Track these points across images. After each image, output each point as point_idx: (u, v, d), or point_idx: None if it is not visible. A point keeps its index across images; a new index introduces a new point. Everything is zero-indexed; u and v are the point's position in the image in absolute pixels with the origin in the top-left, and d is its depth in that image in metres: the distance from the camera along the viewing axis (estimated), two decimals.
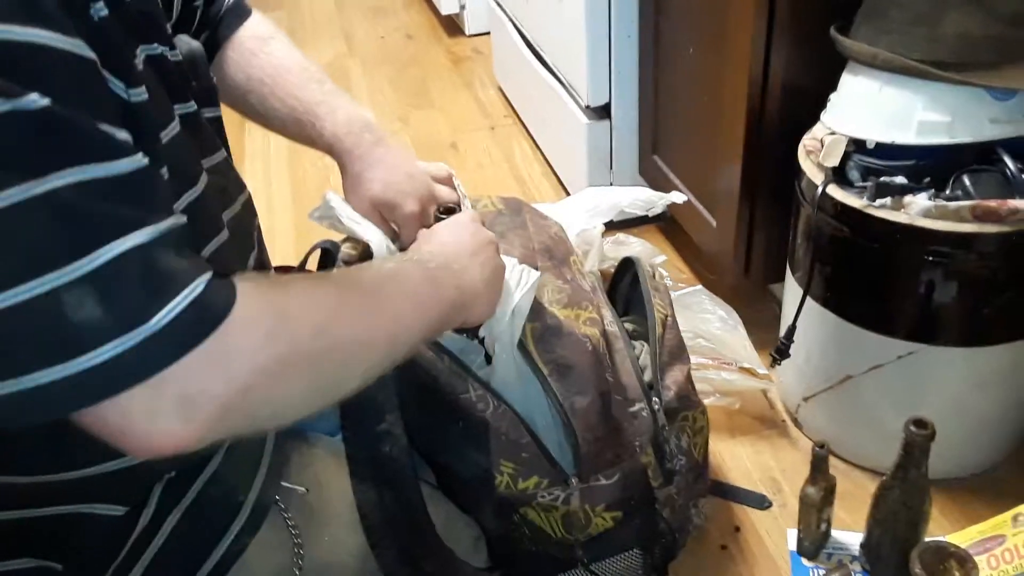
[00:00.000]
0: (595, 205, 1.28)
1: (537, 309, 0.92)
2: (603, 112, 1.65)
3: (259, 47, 0.92)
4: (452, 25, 2.85)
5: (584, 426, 0.88)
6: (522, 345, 0.89)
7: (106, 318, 0.47)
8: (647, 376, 0.99)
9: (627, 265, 1.13)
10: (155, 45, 0.65)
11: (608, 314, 1.01)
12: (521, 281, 0.88)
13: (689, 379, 1.03)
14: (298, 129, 0.92)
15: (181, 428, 0.50)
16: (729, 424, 1.31)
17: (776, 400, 1.35)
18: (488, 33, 2.42)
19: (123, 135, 0.51)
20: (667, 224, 1.73)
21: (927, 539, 1.00)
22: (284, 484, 0.78)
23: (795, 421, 1.30)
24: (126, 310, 0.48)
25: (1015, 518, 1.05)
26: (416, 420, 0.87)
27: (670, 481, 0.98)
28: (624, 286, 1.16)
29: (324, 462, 0.81)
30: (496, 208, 1.03)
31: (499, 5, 2.18)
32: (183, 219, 0.53)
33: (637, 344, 1.05)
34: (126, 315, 0.48)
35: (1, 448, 0.63)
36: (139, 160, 0.51)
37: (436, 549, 0.84)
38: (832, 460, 1.22)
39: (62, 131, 0.47)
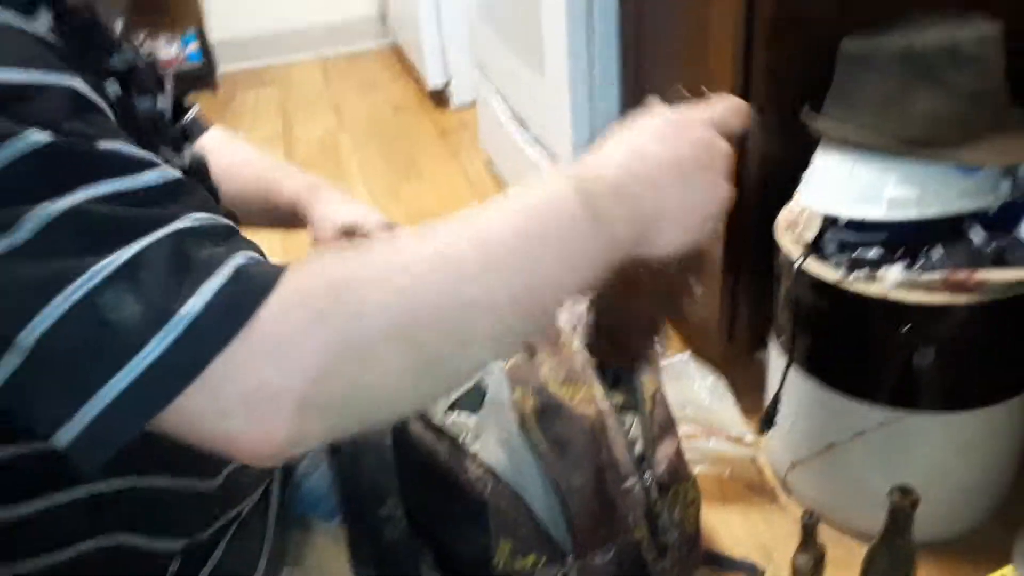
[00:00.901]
0: None
1: (538, 387, 0.94)
2: None
3: (222, 146, 0.97)
4: (439, 98, 2.93)
5: (580, 503, 0.90)
6: (522, 421, 0.91)
7: (145, 313, 0.44)
8: (637, 449, 1.01)
9: None
10: (161, 148, 0.68)
11: (598, 391, 1.04)
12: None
13: (679, 452, 1.05)
14: (263, 199, 0.98)
15: (258, 428, 0.45)
16: (720, 492, 1.33)
17: (765, 467, 1.37)
18: (474, 104, 2.49)
19: (141, 153, 0.50)
20: None
21: None
22: (286, 568, 0.80)
23: (785, 487, 1.32)
24: (159, 301, 0.45)
25: None
26: (415, 501, 0.88)
27: (664, 555, 1.00)
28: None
29: (325, 548, 0.83)
30: None
31: (485, 77, 2.25)
32: (228, 222, 0.51)
33: (627, 417, 1.08)
34: (160, 306, 0.44)
35: None
36: (168, 172, 0.50)
37: None
38: (822, 527, 1.24)
39: (71, 157, 0.47)
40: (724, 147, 0.59)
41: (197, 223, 0.48)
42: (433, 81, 2.82)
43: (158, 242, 0.46)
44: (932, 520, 1.17)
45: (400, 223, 1.01)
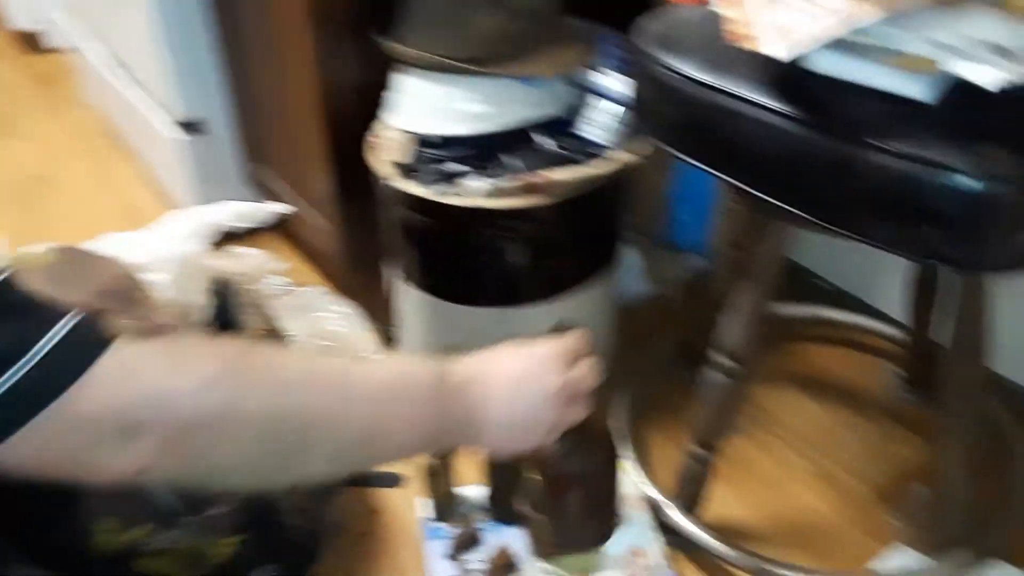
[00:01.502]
0: (190, 229, 1.27)
1: None
2: (199, 126, 1.62)
3: None
4: (31, 42, 2.59)
5: None
6: None
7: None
8: None
9: (222, 288, 1.14)
10: None
11: None
12: None
13: None
14: None
15: (116, 458, 0.54)
16: None
17: None
18: (75, 49, 2.24)
19: None
20: (291, 230, 1.75)
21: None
22: None
23: None
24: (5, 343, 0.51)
25: None
26: None
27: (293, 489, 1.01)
28: (230, 309, 1.16)
29: None
30: (47, 261, 0.98)
31: (82, 20, 2.03)
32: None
33: None
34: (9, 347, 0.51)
35: None
36: None
37: None
38: None
39: None
40: (565, 379, 0.70)
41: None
42: (19, 22, 2.49)
43: None
44: None
45: None
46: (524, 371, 0.70)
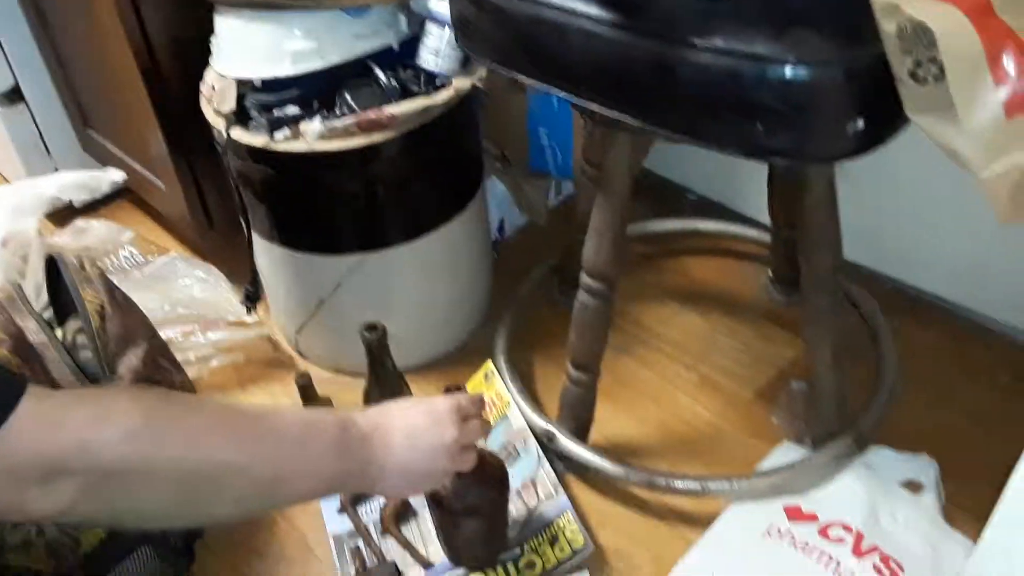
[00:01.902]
0: (18, 203, 1.17)
1: None
2: (15, 96, 1.50)
3: None
4: None
5: None
6: None
7: None
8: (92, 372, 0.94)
9: (53, 265, 1.05)
10: None
11: (32, 325, 0.94)
12: None
13: (150, 359, 1.00)
14: None
15: (39, 501, 0.58)
16: (239, 378, 1.31)
17: (280, 339, 1.38)
18: None
19: None
20: (139, 197, 1.65)
21: None
22: None
23: (300, 353, 1.34)
24: None
25: (486, 376, 1.20)
26: None
27: None
28: (66, 286, 1.08)
29: None
30: None
31: None
32: None
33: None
34: None
35: None
36: None
37: None
38: (340, 376, 1.29)
39: None
40: (458, 432, 0.80)
41: None
42: None
43: None
44: (422, 345, 1.28)
45: None
46: (422, 424, 0.80)
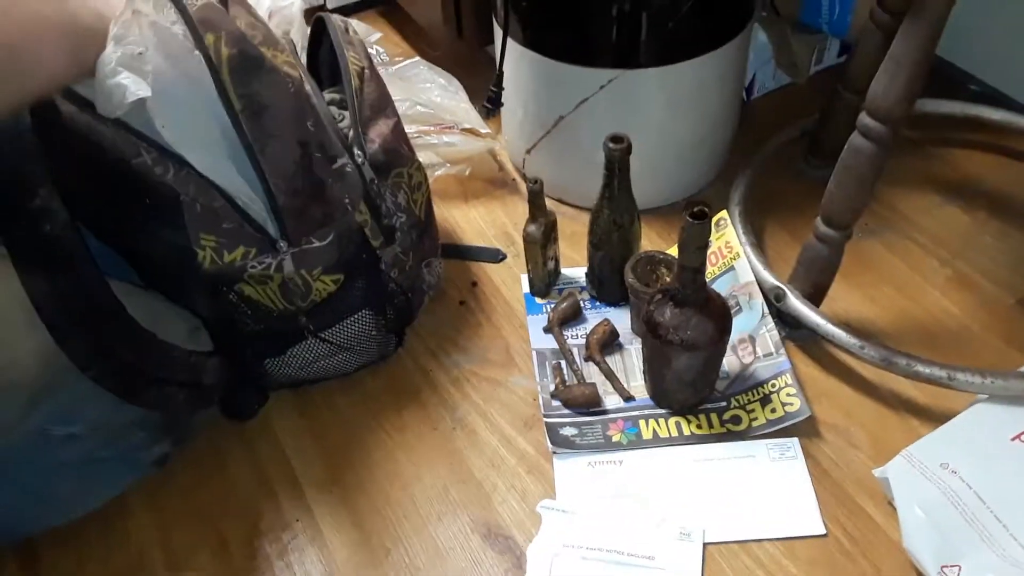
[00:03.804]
0: None
1: (237, 34, 0.81)
2: None
3: None
4: None
5: (279, 175, 0.83)
6: (215, 71, 0.79)
7: None
8: (345, 128, 0.94)
9: (320, 27, 1.06)
10: None
11: (303, 72, 0.94)
12: None
13: (397, 132, 0.99)
14: None
15: None
16: (462, 191, 1.31)
17: (505, 160, 1.35)
18: None
19: None
20: (388, 8, 1.65)
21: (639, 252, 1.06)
22: None
23: (524, 177, 1.31)
24: None
25: (717, 224, 1.13)
26: (85, 197, 0.78)
27: (392, 239, 0.96)
28: (324, 53, 1.08)
29: None
30: None
31: None
32: None
33: (345, 113, 1.00)
34: None
35: None
36: None
37: (131, 333, 0.78)
38: (561, 206, 1.26)
39: None
40: None
41: None
42: None
43: None
44: (656, 184, 1.21)
45: None
46: None
